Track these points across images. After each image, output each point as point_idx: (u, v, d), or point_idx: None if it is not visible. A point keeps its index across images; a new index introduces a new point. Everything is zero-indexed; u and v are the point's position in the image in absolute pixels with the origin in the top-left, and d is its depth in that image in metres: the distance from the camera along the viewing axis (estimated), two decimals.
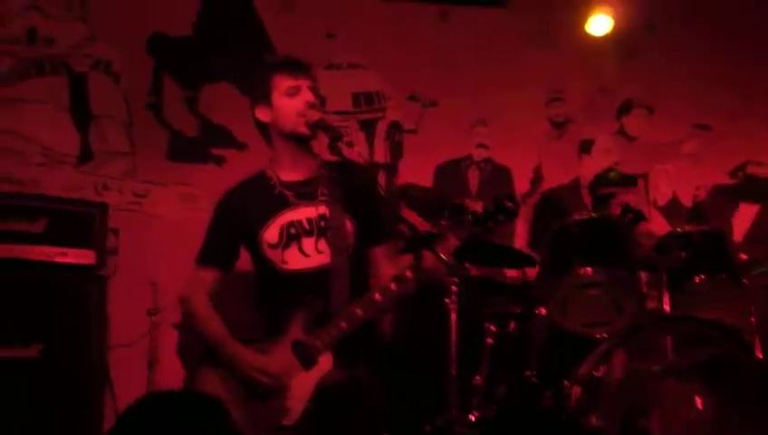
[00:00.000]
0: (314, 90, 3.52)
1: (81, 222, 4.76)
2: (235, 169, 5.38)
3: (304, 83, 3.50)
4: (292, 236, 3.47)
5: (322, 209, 3.49)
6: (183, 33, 6.08)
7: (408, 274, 3.34)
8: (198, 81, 6.04)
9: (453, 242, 3.37)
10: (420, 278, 3.35)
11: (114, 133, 5.86)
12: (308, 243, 3.46)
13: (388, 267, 3.56)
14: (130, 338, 5.35)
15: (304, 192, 3.53)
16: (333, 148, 3.44)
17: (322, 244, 3.47)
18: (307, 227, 3.48)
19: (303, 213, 3.49)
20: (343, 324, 3.32)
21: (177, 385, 4.87)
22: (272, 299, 3.53)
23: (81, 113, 5.83)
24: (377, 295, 3.34)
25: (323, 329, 3.33)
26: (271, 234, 3.47)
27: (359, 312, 3.32)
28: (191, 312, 3.54)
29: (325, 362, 3.33)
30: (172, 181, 5.78)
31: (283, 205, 3.50)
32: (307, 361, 3.32)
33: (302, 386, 3.30)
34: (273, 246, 3.46)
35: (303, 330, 3.35)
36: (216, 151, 5.89)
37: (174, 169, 5.89)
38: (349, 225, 3.51)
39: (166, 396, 2.54)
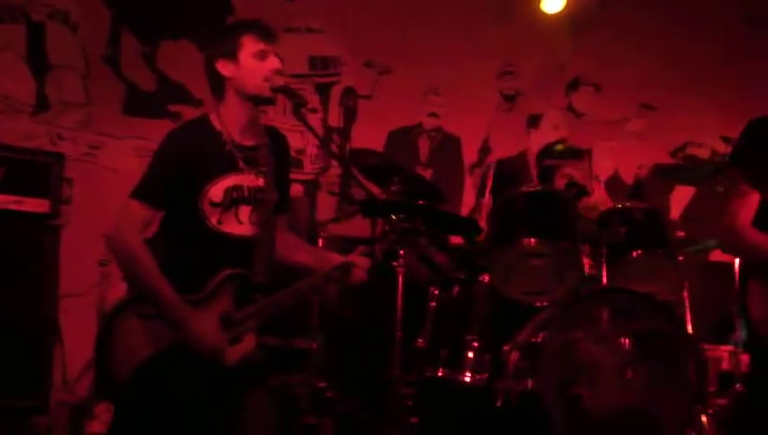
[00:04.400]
0: (279, 57, 3.58)
1: (37, 171, 4.83)
2: None
3: (272, 49, 3.55)
4: (234, 199, 3.47)
5: (260, 181, 3.53)
6: None
7: (335, 273, 3.54)
8: (157, 36, 6.06)
9: None
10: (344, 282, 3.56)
11: (71, 84, 5.86)
12: (244, 211, 3.49)
13: (287, 237, 3.73)
14: (81, 288, 5.42)
15: (251, 158, 3.53)
16: (297, 113, 3.55)
17: (254, 214, 3.50)
18: (246, 194, 3.50)
19: (247, 180, 3.51)
20: (270, 310, 3.43)
21: None
22: (190, 253, 3.45)
23: (38, 62, 5.82)
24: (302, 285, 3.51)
25: (251, 308, 3.40)
26: (216, 192, 3.44)
27: (286, 300, 3.44)
28: (123, 247, 3.34)
29: (249, 341, 3.39)
30: (127, 135, 5.81)
31: (232, 167, 3.49)
32: (234, 338, 3.35)
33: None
34: (214, 205, 3.44)
35: (232, 304, 3.38)
36: (172, 108, 5.93)
37: (130, 122, 5.90)
38: (275, 197, 3.58)
39: None
